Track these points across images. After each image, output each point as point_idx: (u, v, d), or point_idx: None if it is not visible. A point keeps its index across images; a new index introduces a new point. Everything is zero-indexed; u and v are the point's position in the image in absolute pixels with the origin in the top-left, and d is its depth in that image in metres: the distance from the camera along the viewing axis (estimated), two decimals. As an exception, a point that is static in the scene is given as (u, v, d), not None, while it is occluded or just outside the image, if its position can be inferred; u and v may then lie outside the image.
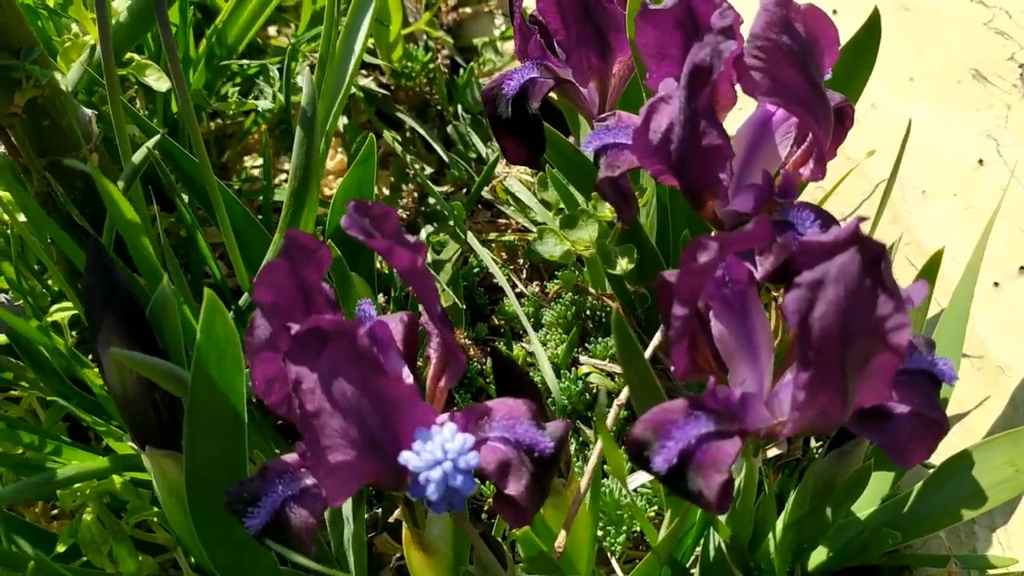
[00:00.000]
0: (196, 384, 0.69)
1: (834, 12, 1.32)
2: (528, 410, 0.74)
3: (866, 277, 0.61)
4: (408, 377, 0.79)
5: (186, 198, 1.05)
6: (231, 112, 1.23)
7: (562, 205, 1.27)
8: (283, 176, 1.38)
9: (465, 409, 0.71)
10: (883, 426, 0.72)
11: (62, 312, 0.94)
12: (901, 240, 1.15)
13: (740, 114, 0.85)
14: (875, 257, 0.63)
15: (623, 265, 1.00)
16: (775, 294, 0.90)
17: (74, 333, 1.08)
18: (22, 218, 0.95)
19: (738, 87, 0.76)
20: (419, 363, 0.90)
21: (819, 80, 0.74)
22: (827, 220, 0.75)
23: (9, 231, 0.93)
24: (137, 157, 0.86)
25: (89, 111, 0.94)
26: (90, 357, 1.01)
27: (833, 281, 0.61)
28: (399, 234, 0.72)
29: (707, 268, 0.66)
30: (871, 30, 0.97)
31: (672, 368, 0.72)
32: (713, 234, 0.70)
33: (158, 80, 1.07)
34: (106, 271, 0.67)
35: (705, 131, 0.73)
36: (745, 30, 0.73)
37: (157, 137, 0.86)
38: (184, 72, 1.17)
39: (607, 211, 1.00)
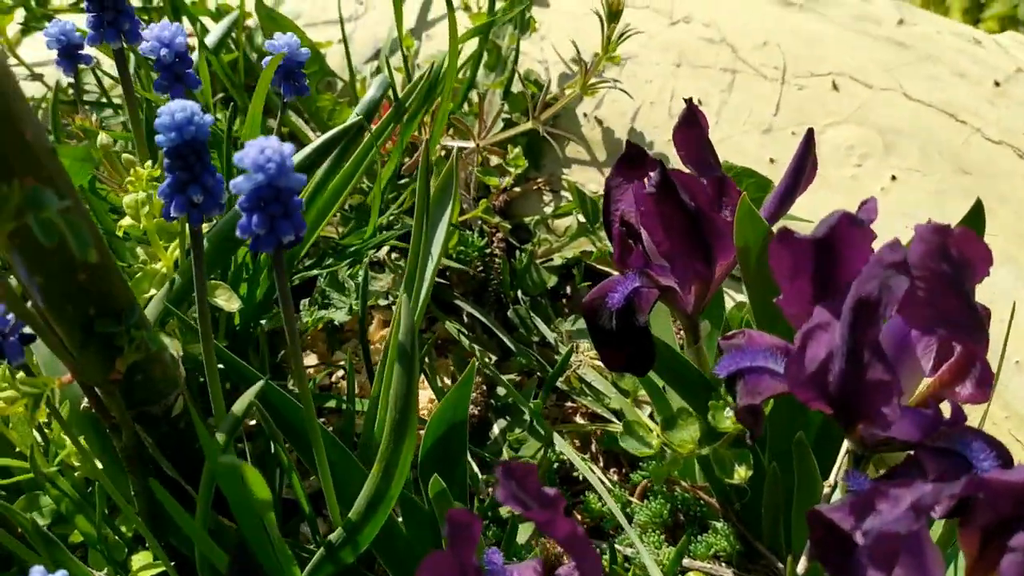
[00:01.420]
0: None
1: (893, 179, 1.31)
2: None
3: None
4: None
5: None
6: (308, 329, 1.18)
7: (642, 392, 1.22)
8: (339, 373, 1.32)
9: None
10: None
11: (150, 571, 0.87)
12: (1002, 415, 1.11)
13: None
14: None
15: (741, 474, 0.95)
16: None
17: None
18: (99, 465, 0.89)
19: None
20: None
21: (974, 301, 0.72)
22: (1002, 452, 0.71)
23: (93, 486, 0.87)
24: (239, 408, 0.80)
25: (173, 352, 0.89)
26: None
27: (1059, 545, 0.57)
28: (552, 500, 0.67)
29: (906, 535, 0.61)
30: (975, 219, 0.95)
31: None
32: (897, 483, 0.65)
33: (228, 300, 1.02)
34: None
35: (870, 364, 0.69)
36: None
37: (259, 384, 0.81)
38: (250, 291, 1.12)
39: (728, 423, 0.96)
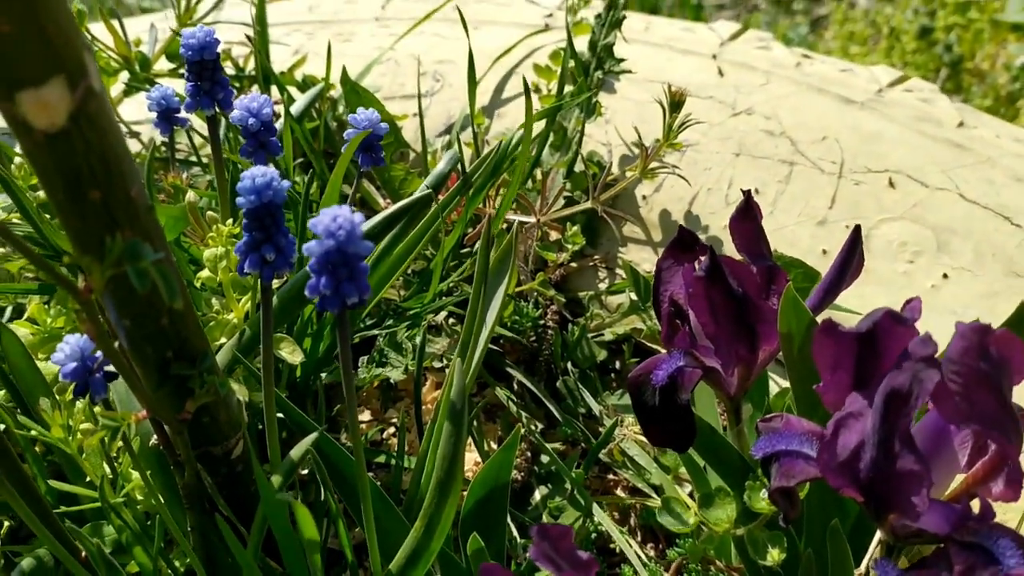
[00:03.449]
0: None
1: (944, 277, 1.33)
2: None
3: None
4: None
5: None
6: (365, 386, 1.23)
7: (683, 470, 1.24)
8: (391, 430, 1.37)
9: None
10: None
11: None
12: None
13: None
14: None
15: (774, 556, 0.97)
16: None
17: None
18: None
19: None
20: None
21: (1010, 401, 0.73)
22: (1030, 550, 0.72)
23: (152, 519, 0.92)
24: (296, 453, 0.85)
25: (240, 397, 0.94)
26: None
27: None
28: (585, 563, 0.70)
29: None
30: (1019, 321, 0.96)
31: None
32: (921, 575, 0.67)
33: (292, 353, 1.08)
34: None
35: (900, 454, 0.72)
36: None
37: (315, 434, 0.86)
38: (314, 346, 1.18)
39: (763, 504, 0.97)
